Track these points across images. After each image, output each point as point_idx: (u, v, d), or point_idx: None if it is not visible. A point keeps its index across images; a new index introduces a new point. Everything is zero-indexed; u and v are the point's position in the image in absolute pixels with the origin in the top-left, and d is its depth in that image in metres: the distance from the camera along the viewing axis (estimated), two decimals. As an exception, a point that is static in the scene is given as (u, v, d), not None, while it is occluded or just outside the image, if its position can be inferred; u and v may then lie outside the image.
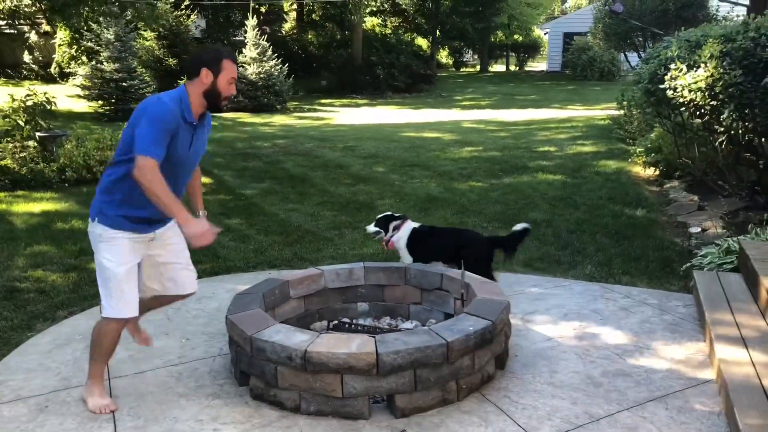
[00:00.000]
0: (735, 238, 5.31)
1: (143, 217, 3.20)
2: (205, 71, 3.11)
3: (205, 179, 9.78)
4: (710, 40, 6.07)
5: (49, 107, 10.19)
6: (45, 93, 10.24)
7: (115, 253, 3.16)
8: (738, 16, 12.09)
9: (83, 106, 18.51)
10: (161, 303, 3.66)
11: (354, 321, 4.34)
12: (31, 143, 9.76)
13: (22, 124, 9.85)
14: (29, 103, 9.92)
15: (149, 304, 3.59)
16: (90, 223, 3.22)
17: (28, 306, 4.88)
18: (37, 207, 7.98)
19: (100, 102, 17.88)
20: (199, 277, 5.47)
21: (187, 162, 3.24)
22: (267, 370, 3.31)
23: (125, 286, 3.19)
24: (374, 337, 3.30)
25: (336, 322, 4.30)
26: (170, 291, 3.50)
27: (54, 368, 3.83)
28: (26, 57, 26.81)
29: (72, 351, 4.06)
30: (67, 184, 9.15)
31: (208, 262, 5.93)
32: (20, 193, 8.71)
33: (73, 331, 4.38)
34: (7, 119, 9.99)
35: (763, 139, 6.36)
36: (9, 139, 9.89)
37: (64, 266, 5.81)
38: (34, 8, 22.38)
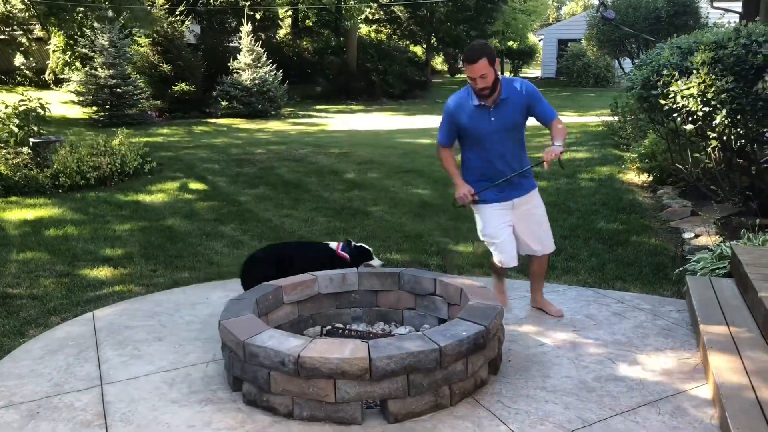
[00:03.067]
0: (728, 244, 5.33)
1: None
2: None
3: (198, 185, 9.77)
4: (702, 46, 6.11)
5: (42, 113, 10.16)
6: (39, 99, 10.22)
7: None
8: (729, 22, 12.16)
9: (77, 112, 18.49)
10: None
11: (347, 326, 4.34)
12: (24, 149, 9.73)
13: (15, 130, 9.82)
14: (22, 108, 9.90)
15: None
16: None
17: (20, 312, 4.87)
18: (30, 213, 7.95)
19: (94, 108, 17.84)
20: (193, 283, 5.50)
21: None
22: (260, 375, 3.30)
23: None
24: (367, 342, 3.30)
25: (329, 327, 4.30)
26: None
27: (46, 374, 3.81)
28: (19, 62, 26.74)
29: (64, 357, 4.04)
30: (60, 190, 9.13)
31: (202, 268, 5.93)
32: (13, 199, 8.68)
33: (65, 337, 4.37)
34: (1, 125, 9.97)
35: (755, 145, 6.40)
36: (2, 145, 9.86)
37: (56, 272, 5.80)
38: (27, 14, 22.34)
